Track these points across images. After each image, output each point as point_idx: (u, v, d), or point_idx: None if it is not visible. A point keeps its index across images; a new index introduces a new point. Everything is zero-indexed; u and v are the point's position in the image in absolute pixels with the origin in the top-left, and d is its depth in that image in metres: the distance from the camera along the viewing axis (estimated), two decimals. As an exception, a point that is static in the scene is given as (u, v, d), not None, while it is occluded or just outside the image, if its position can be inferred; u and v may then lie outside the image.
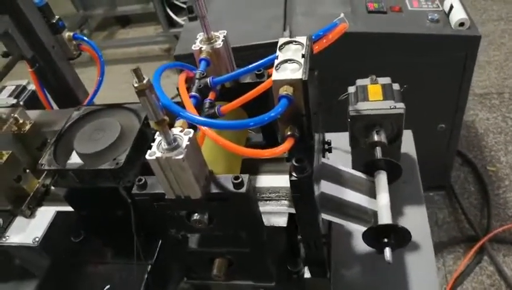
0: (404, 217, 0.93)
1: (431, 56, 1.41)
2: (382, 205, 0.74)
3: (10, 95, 1.13)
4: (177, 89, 0.65)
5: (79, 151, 0.70)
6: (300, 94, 0.54)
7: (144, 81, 0.46)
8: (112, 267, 0.71)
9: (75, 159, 0.72)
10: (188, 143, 0.53)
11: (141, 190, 0.60)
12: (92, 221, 0.76)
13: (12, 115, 0.79)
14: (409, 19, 1.42)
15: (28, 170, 0.79)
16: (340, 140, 0.96)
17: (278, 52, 0.58)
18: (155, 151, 0.53)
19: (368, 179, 0.82)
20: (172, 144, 0.53)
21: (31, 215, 0.81)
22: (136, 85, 0.46)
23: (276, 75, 0.54)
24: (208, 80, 0.64)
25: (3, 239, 0.77)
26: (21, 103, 1.09)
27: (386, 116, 0.86)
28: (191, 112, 0.53)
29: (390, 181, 0.83)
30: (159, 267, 0.72)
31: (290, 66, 0.56)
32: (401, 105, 0.86)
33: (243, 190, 0.57)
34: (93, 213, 0.74)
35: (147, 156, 0.53)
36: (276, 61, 0.56)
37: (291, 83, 0.53)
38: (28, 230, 0.78)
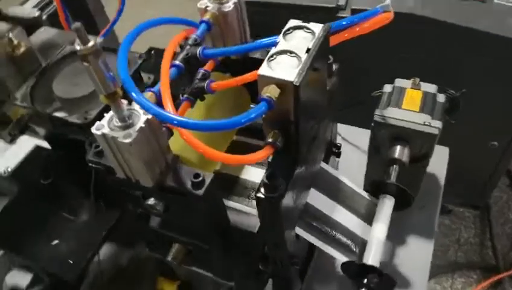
0: (405, 248, 0.81)
1: (501, 60, 1.19)
2: (374, 239, 0.64)
3: (35, 6, 1.08)
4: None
5: (56, 92, 0.63)
6: (288, 99, 0.43)
7: (89, 44, 0.37)
8: (69, 223, 0.67)
9: (52, 100, 0.66)
10: (144, 126, 0.44)
11: (97, 158, 0.53)
12: (62, 166, 0.71)
13: (7, 34, 0.73)
14: (491, 12, 1.19)
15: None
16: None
17: (279, 38, 0.46)
18: (103, 125, 0.45)
19: (372, 200, 0.71)
20: (126, 122, 0.45)
21: (11, 141, 0.77)
22: (78, 48, 0.37)
23: (265, 70, 0.43)
24: (199, 49, 0.54)
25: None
26: (44, 17, 1.04)
27: (416, 133, 0.72)
28: (146, 98, 0.43)
29: (398, 208, 0.71)
30: (115, 235, 0.67)
31: (287, 60, 0.44)
32: (438, 124, 0.72)
33: (200, 192, 0.48)
34: (64, 159, 0.69)
35: (93, 129, 0.45)
36: (273, 50, 0.45)
37: (279, 84, 0.42)
38: (4, 157, 0.75)
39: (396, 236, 0.82)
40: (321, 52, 0.46)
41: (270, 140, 0.46)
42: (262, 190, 0.47)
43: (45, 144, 0.74)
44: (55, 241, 0.65)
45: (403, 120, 0.73)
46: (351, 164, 0.87)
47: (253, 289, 0.71)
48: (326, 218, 0.64)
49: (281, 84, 0.42)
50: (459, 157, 1.12)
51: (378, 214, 0.67)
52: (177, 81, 0.54)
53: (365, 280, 0.60)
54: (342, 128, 1.02)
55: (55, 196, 0.66)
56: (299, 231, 0.60)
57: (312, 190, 0.64)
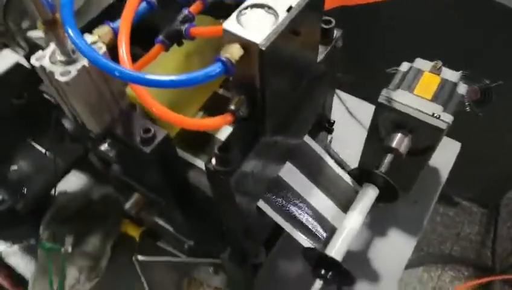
0: (386, 240, 0.76)
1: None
2: (343, 230, 0.58)
3: None
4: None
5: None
6: (253, 64, 0.36)
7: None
8: (32, 150, 0.64)
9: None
10: (88, 65, 0.39)
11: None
12: (37, 90, 0.66)
13: None
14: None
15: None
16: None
17: (260, -14, 0.38)
18: (44, 56, 0.39)
19: (355, 187, 0.64)
20: (70, 57, 0.39)
21: (-9, 53, 0.73)
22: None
23: (231, 24, 0.36)
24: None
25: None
26: None
27: (421, 124, 0.64)
28: (80, 35, 0.35)
29: (382, 201, 0.65)
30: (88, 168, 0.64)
31: (262, 17, 0.37)
32: (448, 118, 0.63)
33: (148, 148, 0.43)
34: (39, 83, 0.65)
35: (32, 59, 0.39)
36: (248, 1, 0.37)
37: (243, 44, 0.35)
38: (-18, 69, 0.71)
39: (380, 227, 0.77)
40: (308, 14, 0.38)
41: (232, 107, 0.40)
42: (213, 161, 0.41)
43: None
44: (14, 167, 0.62)
45: (409, 106, 0.64)
46: (352, 141, 0.80)
47: (211, 252, 0.68)
48: (297, 197, 0.59)
49: (245, 44, 0.35)
50: (476, 151, 1.03)
51: (356, 203, 0.61)
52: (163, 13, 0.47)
53: (322, 271, 0.56)
54: (350, 101, 0.94)
55: (22, 119, 0.63)
56: (263, 206, 0.55)
57: (288, 165, 0.58)
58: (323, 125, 0.65)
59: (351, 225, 0.59)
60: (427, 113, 0.64)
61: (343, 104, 0.94)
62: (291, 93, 0.46)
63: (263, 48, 0.34)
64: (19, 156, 0.63)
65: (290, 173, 0.58)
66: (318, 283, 0.55)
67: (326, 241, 0.58)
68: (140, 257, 0.76)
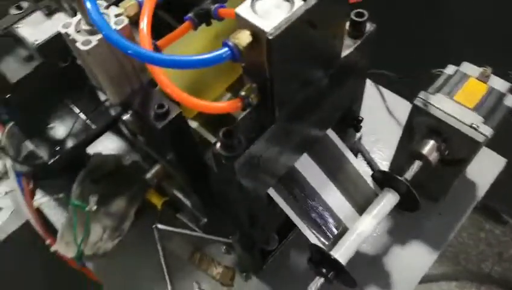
0: (403, 250, 0.73)
1: None
2: (354, 232, 0.56)
3: None
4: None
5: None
6: (262, 52, 0.35)
7: None
8: (69, 112, 0.68)
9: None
10: (109, 36, 0.40)
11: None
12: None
13: None
14: None
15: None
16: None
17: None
18: (71, 24, 0.41)
19: (376, 190, 0.62)
20: (93, 27, 0.41)
21: (48, 15, 0.78)
22: None
23: (243, 9, 0.35)
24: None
25: (16, 26, 0.77)
26: None
27: (457, 133, 0.60)
28: (98, 9, 0.36)
29: (402, 208, 0.62)
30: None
31: (277, 4, 0.36)
32: (488, 131, 0.59)
33: (160, 124, 0.44)
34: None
35: (59, 25, 0.41)
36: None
37: (253, 31, 0.34)
38: (38, 28, 0.76)
39: (402, 234, 0.74)
40: (328, 5, 0.37)
41: (242, 93, 0.40)
42: (218, 145, 0.42)
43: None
44: (51, 125, 0.67)
45: (446, 113, 0.60)
46: (388, 140, 0.77)
47: (225, 232, 0.69)
48: (311, 192, 0.58)
49: (254, 32, 0.34)
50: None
51: (373, 207, 0.59)
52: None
53: (324, 270, 0.55)
54: (391, 98, 0.91)
55: (64, 82, 0.67)
56: (274, 195, 0.55)
57: (306, 157, 0.57)
58: (351, 122, 0.62)
59: (362, 227, 0.57)
60: (464, 123, 0.59)
61: (383, 101, 0.90)
62: (308, 85, 0.44)
63: (271, 37, 0.33)
64: (57, 115, 0.67)
65: (306, 166, 0.58)
66: (317, 281, 0.54)
67: (335, 241, 0.57)
68: (159, 226, 0.79)
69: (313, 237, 0.57)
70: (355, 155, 0.77)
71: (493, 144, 0.81)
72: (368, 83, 0.95)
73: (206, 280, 0.73)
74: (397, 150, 0.74)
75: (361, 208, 0.60)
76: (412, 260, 0.71)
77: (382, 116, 0.88)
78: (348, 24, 0.48)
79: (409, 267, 0.71)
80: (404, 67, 0.94)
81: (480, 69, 0.65)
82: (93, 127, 0.66)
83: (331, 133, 0.59)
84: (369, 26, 0.48)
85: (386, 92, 0.92)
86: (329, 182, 0.59)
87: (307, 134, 0.54)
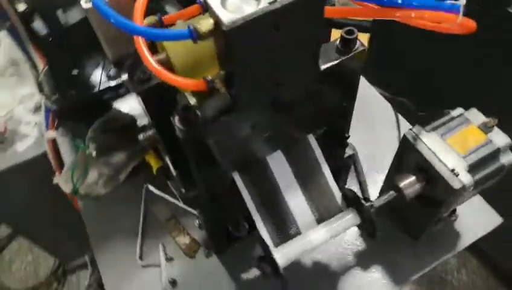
0: (359, 276, 0.73)
1: None
2: (303, 238, 0.58)
3: None
4: None
5: None
6: (221, 43, 0.38)
7: None
8: (91, 62, 0.74)
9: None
10: (107, -1, 0.45)
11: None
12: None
13: None
14: None
15: None
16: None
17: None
18: (85, -17, 0.47)
19: (342, 206, 0.63)
20: (99, -12, 0.45)
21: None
22: None
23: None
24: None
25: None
26: None
27: (436, 174, 0.59)
28: None
29: (363, 231, 0.62)
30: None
31: (251, 1, 0.38)
32: (469, 180, 0.57)
33: (139, 88, 0.49)
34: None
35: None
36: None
37: (215, 20, 0.37)
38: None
39: (370, 260, 0.74)
40: (296, 13, 0.39)
41: (208, 77, 0.43)
42: (176, 117, 0.45)
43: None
44: (75, 71, 0.74)
45: (432, 152, 0.60)
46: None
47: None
48: (275, 189, 0.60)
49: (216, 21, 0.37)
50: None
51: (331, 221, 0.60)
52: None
53: (263, 264, 0.57)
54: (405, 126, 0.90)
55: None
56: (237, 180, 0.58)
57: (280, 155, 0.60)
58: (336, 137, 0.63)
59: (314, 236, 0.59)
60: (446, 165, 0.58)
61: (397, 128, 0.89)
62: (280, 87, 0.47)
63: (225, 29, 0.36)
64: (81, 63, 0.75)
65: (278, 163, 0.60)
66: (256, 272, 0.57)
67: (283, 242, 0.59)
68: (150, 187, 0.84)
69: (264, 232, 0.59)
70: (347, 172, 0.78)
71: (499, 202, 0.78)
72: (384, 104, 0.95)
73: (172, 245, 0.77)
74: (386, 177, 0.74)
75: (321, 219, 0.61)
76: (370, 286, 0.71)
77: (392, 140, 0.88)
78: (338, 39, 0.49)
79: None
80: (429, 100, 0.92)
81: (486, 119, 0.63)
82: (112, 83, 0.72)
83: (312, 140, 0.61)
84: (358, 45, 0.49)
85: (402, 120, 0.91)
86: (296, 185, 0.61)
87: (280, 132, 0.56)
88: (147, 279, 0.75)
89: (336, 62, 0.49)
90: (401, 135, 0.88)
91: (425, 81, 1.20)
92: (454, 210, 0.74)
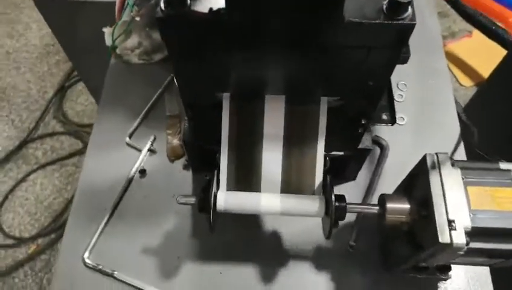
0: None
1: None
2: (254, 197, 0.52)
3: None
4: None
5: None
6: None
7: None
8: None
9: None
10: None
11: None
12: None
13: None
14: None
15: None
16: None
17: None
18: None
19: (316, 187, 0.55)
20: None
21: None
22: None
23: None
24: None
25: None
26: None
27: (431, 215, 0.48)
28: None
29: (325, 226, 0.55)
30: None
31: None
32: (461, 242, 0.46)
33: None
34: None
35: None
36: None
37: None
38: None
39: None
40: None
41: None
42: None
43: None
44: None
45: (441, 189, 0.49)
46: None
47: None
48: (257, 134, 0.54)
49: None
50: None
51: (293, 197, 0.53)
52: None
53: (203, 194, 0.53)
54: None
55: None
56: (225, 103, 0.53)
57: (280, 103, 0.53)
58: (350, 118, 0.54)
59: (264, 202, 0.53)
60: (447, 213, 0.47)
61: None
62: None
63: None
64: None
65: (274, 109, 0.53)
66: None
67: (235, 188, 0.54)
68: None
69: (224, 168, 0.55)
70: (357, 165, 0.68)
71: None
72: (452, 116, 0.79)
73: (162, 142, 0.76)
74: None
75: (286, 190, 0.55)
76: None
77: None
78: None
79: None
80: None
81: (534, 188, 0.49)
82: None
83: (323, 104, 0.52)
84: (409, 14, 0.39)
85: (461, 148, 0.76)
86: (281, 142, 0.54)
87: (290, 75, 0.48)
88: (123, 157, 0.75)
89: (364, 21, 0.39)
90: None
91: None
92: (448, 268, 0.63)
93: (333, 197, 0.50)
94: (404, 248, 0.57)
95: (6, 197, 1.66)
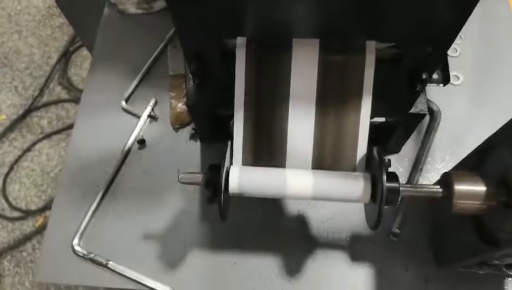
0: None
1: None
2: (279, 175, 0.40)
3: None
4: None
5: None
6: None
7: None
8: None
9: None
10: None
11: None
12: None
13: None
14: None
15: None
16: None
17: None
18: None
19: (358, 162, 0.42)
20: None
21: None
22: None
23: None
24: None
25: None
26: None
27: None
28: None
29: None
30: None
31: None
32: None
33: None
34: None
35: None
36: None
37: None
38: None
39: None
40: None
41: None
42: None
43: None
44: None
45: None
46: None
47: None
48: (281, 94, 0.41)
49: None
50: None
51: (330, 175, 0.40)
52: None
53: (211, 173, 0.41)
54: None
55: None
56: (239, 57, 0.40)
57: (313, 49, 0.39)
58: (408, 71, 0.40)
59: (290, 181, 0.40)
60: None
61: None
62: None
63: None
64: None
65: (304, 58, 0.40)
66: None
67: (252, 163, 0.42)
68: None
69: (239, 138, 0.42)
70: (406, 133, 0.55)
71: None
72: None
73: (164, 106, 0.64)
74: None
75: (319, 165, 0.42)
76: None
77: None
78: None
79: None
80: None
81: None
82: None
83: (370, 51, 0.39)
84: None
85: None
86: (313, 103, 0.41)
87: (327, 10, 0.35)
88: (118, 125, 0.63)
89: None
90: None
91: None
92: (518, 265, 0.50)
93: (384, 175, 0.37)
94: (469, 241, 0.45)
95: (11, 168, 1.58)
